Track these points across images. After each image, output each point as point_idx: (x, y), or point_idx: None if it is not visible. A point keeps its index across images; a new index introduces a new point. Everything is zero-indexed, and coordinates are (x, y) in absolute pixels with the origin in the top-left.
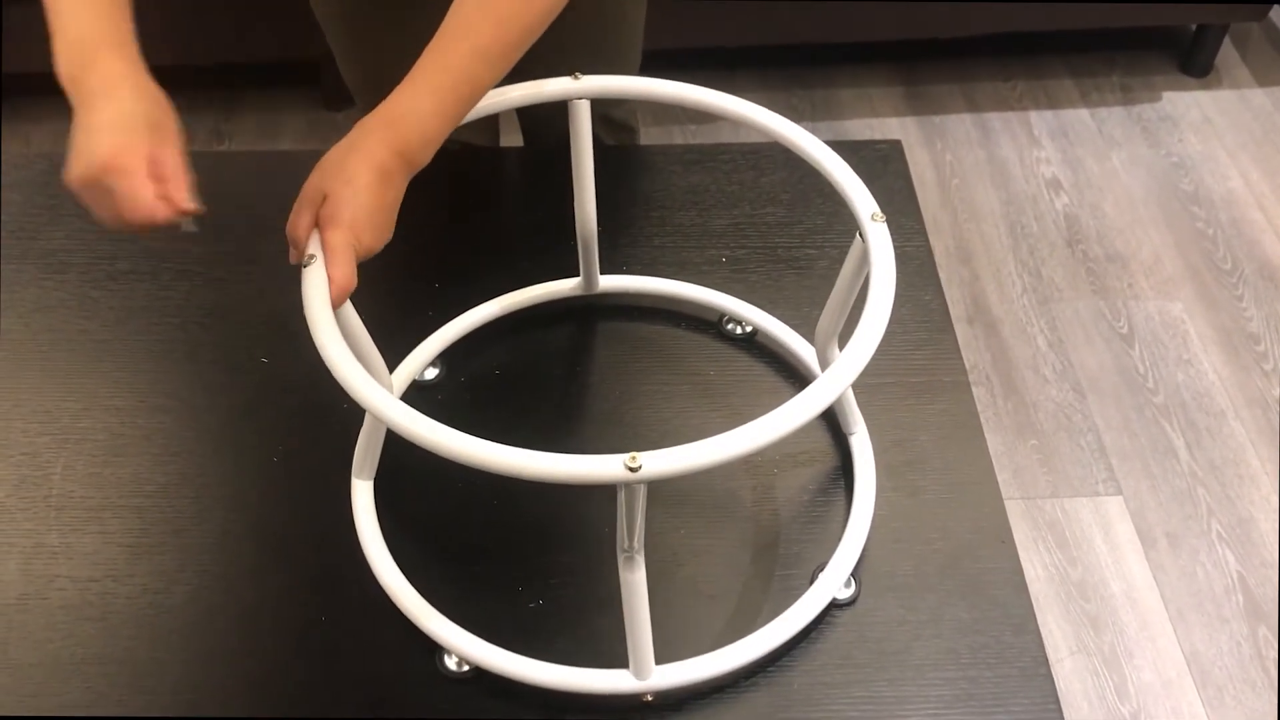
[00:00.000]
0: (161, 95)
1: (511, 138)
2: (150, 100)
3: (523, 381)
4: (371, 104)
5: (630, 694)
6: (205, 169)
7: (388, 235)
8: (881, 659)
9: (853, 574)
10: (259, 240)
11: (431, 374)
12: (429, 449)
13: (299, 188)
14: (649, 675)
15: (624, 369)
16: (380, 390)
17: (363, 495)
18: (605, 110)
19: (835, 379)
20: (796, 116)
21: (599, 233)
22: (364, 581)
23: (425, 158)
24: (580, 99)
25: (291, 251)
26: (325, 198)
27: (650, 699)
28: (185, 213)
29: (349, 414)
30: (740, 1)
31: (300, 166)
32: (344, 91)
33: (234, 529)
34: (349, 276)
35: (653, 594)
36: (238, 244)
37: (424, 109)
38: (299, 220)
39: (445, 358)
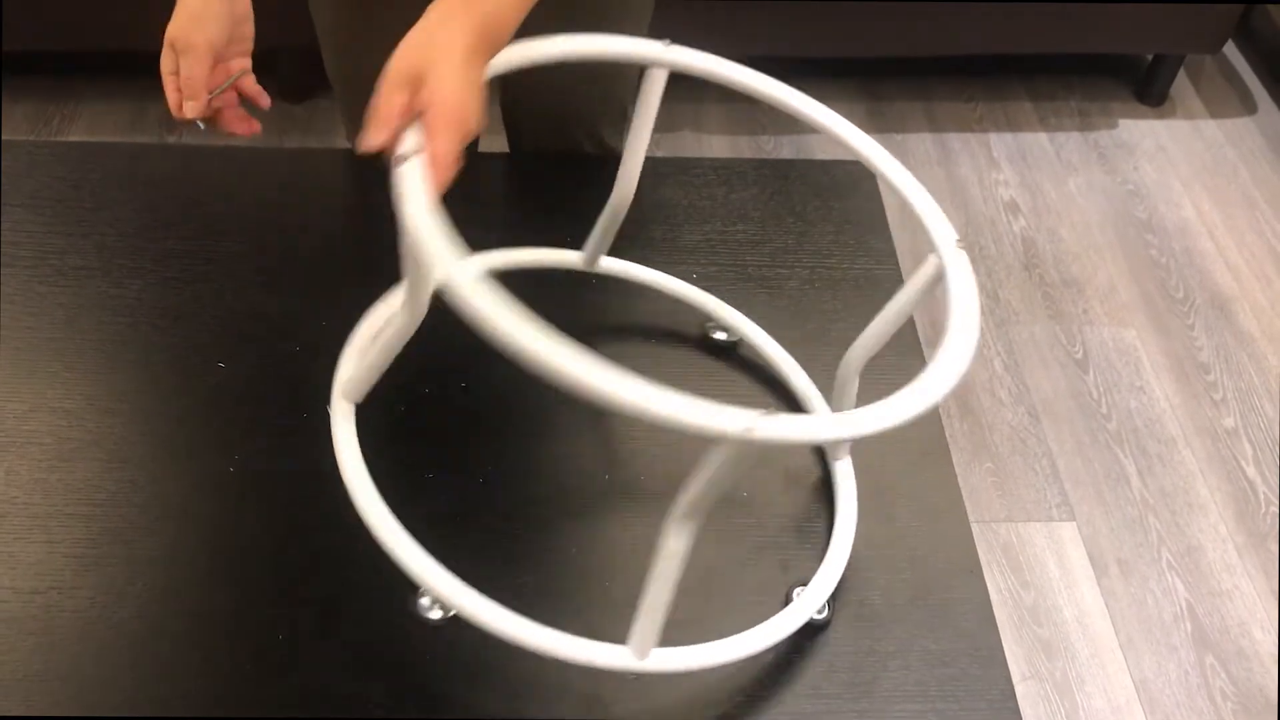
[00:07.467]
0: (245, 15)
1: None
2: (226, 12)
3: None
4: (350, 93)
5: (626, 671)
6: (155, 163)
7: (482, 116)
8: (851, 690)
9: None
10: (215, 238)
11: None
12: (527, 357)
13: (256, 184)
14: (648, 655)
15: (608, 348)
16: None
17: (344, 420)
18: (600, 133)
19: (942, 376)
20: (759, 129)
21: (566, 241)
22: (330, 578)
23: (501, 42)
24: (660, 68)
25: (373, 134)
26: (421, 79)
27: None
28: (186, 120)
29: (307, 423)
30: (705, 15)
31: (258, 163)
32: (303, 82)
33: (186, 540)
34: (452, 162)
35: (628, 583)
36: (192, 241)
37: None
38: (393, 100)
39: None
